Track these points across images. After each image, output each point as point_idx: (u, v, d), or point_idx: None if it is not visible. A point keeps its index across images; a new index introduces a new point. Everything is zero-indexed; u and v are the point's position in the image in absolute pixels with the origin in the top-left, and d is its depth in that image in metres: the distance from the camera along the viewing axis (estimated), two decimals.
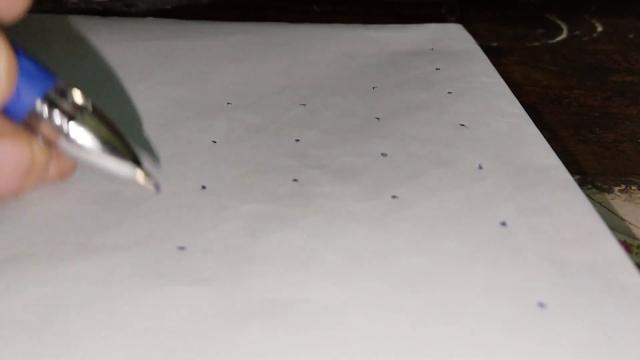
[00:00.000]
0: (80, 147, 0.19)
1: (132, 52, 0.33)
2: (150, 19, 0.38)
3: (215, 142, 0.26)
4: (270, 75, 0.31)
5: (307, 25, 0.37)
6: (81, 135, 0.19)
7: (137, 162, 0.20)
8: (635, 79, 0.37)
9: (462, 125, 0.27)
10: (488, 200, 0.22)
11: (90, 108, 0.19)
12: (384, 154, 0.25)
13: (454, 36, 0.36)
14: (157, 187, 0.21)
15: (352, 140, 0.26)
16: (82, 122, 0.19)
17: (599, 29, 0.44)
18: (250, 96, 0.30)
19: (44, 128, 0.19)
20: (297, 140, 0.26)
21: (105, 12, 0.44)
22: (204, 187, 0.23)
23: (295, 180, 0.23)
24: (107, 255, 0.20)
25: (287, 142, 0.26)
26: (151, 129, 0.27)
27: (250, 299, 0.18)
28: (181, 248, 0.20)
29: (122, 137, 0.20)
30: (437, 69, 0.32)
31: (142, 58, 0.33)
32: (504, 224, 0.21)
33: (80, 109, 0.19)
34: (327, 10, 0.45)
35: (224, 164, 0.24)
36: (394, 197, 0.23)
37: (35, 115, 0.19)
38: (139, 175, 0.20)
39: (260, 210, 0.22)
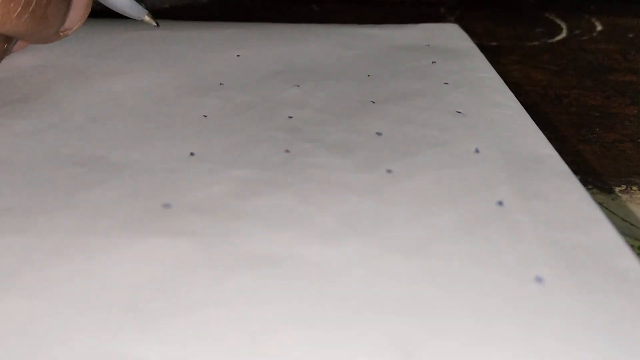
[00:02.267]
0: None
1: (126, 38, 0.33)
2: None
3: (205, 116, 0.26)
4: (264, 61, 0.31)
5: (303, 25, 0.37)
6: None
7: (145, 9, 0.30)
8: (635, 78, 0.37)
9: (459, 112, 0.27)
10: (484, 181, 0.22)
11: None
12: (379, 133, 0.25)
13: (450, 35, 0.36)
14: (157, 24, 0.31)
15: (347, 120, 0.26)
16: None
17: (599, 28, 0.44)
18: (244, 79, 0.30)
19: None
20: (290, 117, 0.26)
21: (102, 12, 0.43)
22: (192, 154, 0.23)
23: (287, 151, 0.23)
24: (88, 210, 0.20)
25: (280, 118, 0.26)
26: (141, 103, 0.27)
27: (236, 252, 0.18)
28: (166, 205, 0.20)
29: None
30: (433, 62, 0.32)
31: (135, 43, 0.33)
32: (500, 203, 0.21)
33: None
34: (327, 9, 0.45)
35: (213, 134, 0.24)
36: (389, 171, 0.22)
37: None
38: (146, 15, 0.30)
39: (250, 175, 0.22)
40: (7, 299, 0.16)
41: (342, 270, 0.18)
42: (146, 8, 0.30)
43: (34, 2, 0.24)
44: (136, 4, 0.29)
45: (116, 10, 0.29)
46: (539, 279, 0.18)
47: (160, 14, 0.43)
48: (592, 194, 0.26)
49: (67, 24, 0.27)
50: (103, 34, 0.34)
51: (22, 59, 0.30)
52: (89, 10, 0.27)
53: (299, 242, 0.19)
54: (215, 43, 0.33)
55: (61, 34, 0.27)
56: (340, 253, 0.18)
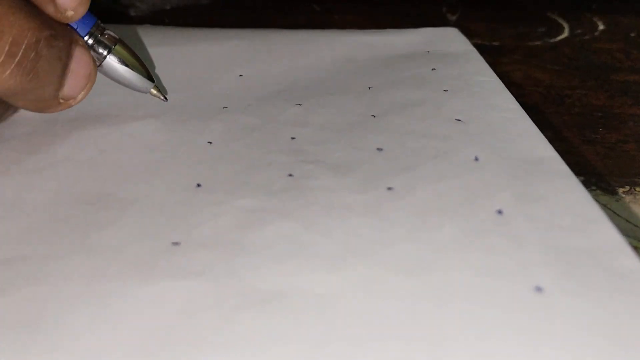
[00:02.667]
0: (115, 67, 0.27)
1: None
2: (147, 25, 0.38)
3: (210, 142, 0.26)
4: (266, 80, 0.31)
5: (303, 31, 0.37)
6: (116, 60, 0.27)
7: (152, 80, 0.28)
8: (638, 78, 0.37)
9: (458, 120, 0.27)
10: (484, 190, 0.22)
11: (118, 40, 0.27)
12: (379, 149, 0.25)
13: (450, 39, 0.36)
14: (165, 97, 0.28)
15: (348, 136, 0.26)
16: (116, 51, 0.26)
17: (601, 27, 0.44)
18: (246, 100, 0.30)
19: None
20: (293, 138, 0.26)
21: (103, 14, 0.43)
22: (199, 185, 0.23)
23: (290, 175, 0.24)
24: (101, 254, 0.20)
25: (283, 139, 0.26)
26: (148, 131, 0.27)
27: (245, 289, 0.18)
28: (175, 243, 0.20)
29: (142, 61, 0.27)
30: (432, 69, 0.32)
31: None
32: (500, 212, 0.21)
33: (114, 41, 0.26)
34: (328, 8, 0.45)
35: (219, 162, 0.25)
36: (389, 188, 0.23)
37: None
38: (153, 88, 0.28)
39: (255, 204, 0.22)
40: (28, 357, 0.17)
41: (346, 299, 0.18)
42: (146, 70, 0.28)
43: (19, 54, 0.22)
44: (142, 78, 0.27)
45: (121, 84, 0.27)
46: (538, 289, 0.18)
47: (162, 15, 0.43)
48: (596, 195, 0.26)
49: (67, 90, 0.25)
50: None
51: None
52: (93, 81, 0.26)
53: (304, 273, 0.19)
54: (217, 61, 0.33)
55: (62, 101, 0.26)
56: (343, 280, 0.19)
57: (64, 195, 0.23)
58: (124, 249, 0.20)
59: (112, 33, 0.26)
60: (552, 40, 0.42)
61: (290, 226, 0.21)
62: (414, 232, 0.20)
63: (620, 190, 0.26)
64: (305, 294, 0.18)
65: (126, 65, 0.27)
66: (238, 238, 0.20)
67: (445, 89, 0.30)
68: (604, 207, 0.25)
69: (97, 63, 0.26)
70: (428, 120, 0.27)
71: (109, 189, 0.23)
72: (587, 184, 0.27)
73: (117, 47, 0.26)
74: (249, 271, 0.19)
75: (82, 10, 0.24)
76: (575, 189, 0.22)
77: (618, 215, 0.25)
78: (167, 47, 0.34)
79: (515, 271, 0.18)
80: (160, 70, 0.32)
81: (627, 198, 0.26)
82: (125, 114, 0.28)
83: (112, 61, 0.26)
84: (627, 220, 0.25)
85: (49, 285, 0.19)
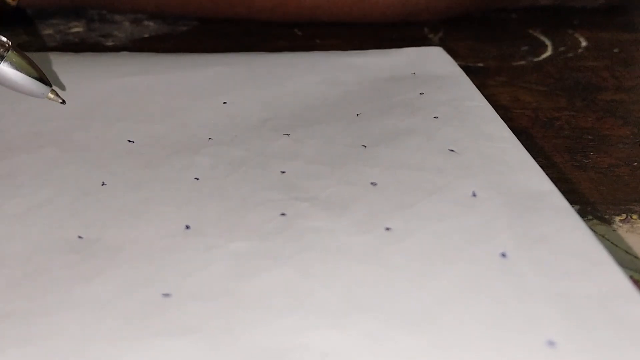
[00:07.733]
0: (9, 75, 0.26)
1: (108, 89, 0.32)
2: (125, 53, 0.37)
3: (197, 179, 0.25)
4: (251, 108, 0.31)
5: (286, 54, 0.36)
6: (10, 67, 0.26)
7: (48, 84, 0.27)
8: (625, 96, 0.36)
9: (452, 150, 0.26)
10: (485, 230, 0.22)
11: (10, 46, 0.26)
12: (373, 183, 0.24)
13: (435, 60, 0.35)
14: (64, 100, 0.28)
15: (340, 169, 0.25)
16: (10, 58, 0.26)
17: (583, 43, 0.44)
18: (232, 130, 0.29)
19: None
20: (283, 172, 0.25)
21: (81, 43, 0.42)
22: (188, 227, 0.22)
23: (283, 214, 0.23)
24: (90, 309, 0.19)
25: (273, 174, 0.25)
26: (132, 169, 0.26)
27: (243, 348, 0.17)
28: (166, 295, 0.19)
29: (37, 66, 0.27)
30: (421, 93, 0.31)
31: (118, 95, 0.32)
32: (503, 255, 0.20)
33: (5, 47, 0.26)
34: (309, 34, 0.44)
35: (208, 201, 0.24)
36: (387, 229, 0.22)
37: None
38: (50, 92, 0.27)
39: (248, 248, 0.21)
40: None
41: (351, 358, 0.17)
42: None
43: None
44: (38, 83, 0.27)
45: (16, 90, 0.27)
46: (551, 343, 0.17)
47: (140, 44, 0.42)
48: (593, 225, 0.26)
49: None
50: (84, 85, 0.32)
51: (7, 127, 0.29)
52: None
53: (304, 328, 0.18)
54: (200, 89, 0.32)
55: None
56: (346, 337, 0.18)
57: (47, 244, 0.22)
58: (112, 303, 0.19)
59: (3, 38, 0.26)
60: (536, 59, 0.41)
61: (287, 274, 0.20)
62: (416, 280, 0.20)
63: (617, 218, 0.26)
64: (307, 353, 0.17)
65: (21, 71, 0.26)
66: (232, 288, 0.20)
67: (436, 115, 0.29)
68: (602, 237, 0.25)
69: None
70: (420, 150, 0.26)
71: (93, 234, 0.22)
72: (582, 213, 0.26)
73: (10, 54, 0.26)
74: (246, 327, 0.18)
75: None
76: (577, 228, 0.21)
77: (617, 246, 0.24)
78: (145, 76, 0.33)
79: (524, 324, 0.18)
80: (140, 101, 0.31)
81: (625, 227, 0.26)
82: (107, 149, 0.27)
83: (5, 68, 0.26)
84: (627, 252, 0.24)
85: (36, 346, 0.18)
